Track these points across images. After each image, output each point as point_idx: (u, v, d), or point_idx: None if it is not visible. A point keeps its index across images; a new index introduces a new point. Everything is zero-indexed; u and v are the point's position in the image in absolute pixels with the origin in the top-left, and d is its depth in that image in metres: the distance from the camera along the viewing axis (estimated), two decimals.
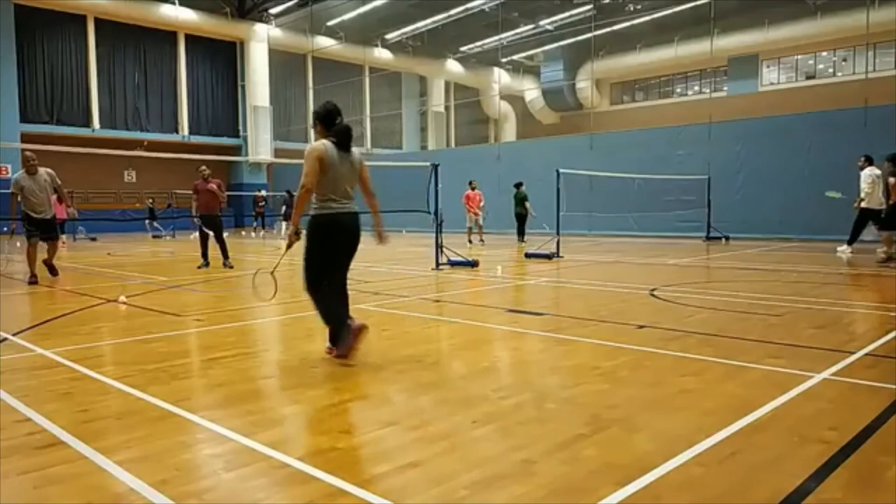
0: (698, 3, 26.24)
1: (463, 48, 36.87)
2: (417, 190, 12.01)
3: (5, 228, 23.70)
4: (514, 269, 11.56)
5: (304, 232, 4.65)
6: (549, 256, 12.72)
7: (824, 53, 30.63)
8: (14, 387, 3.97)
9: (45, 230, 9.97)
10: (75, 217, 10.55)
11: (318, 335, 5.67)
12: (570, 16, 30.39)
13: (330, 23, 32.27)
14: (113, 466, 2.73)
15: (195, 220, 12.01)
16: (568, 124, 36.47)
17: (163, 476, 2.63)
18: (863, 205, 11.75)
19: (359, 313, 6.78)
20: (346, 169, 4.54)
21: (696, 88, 35.41)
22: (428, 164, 11.55)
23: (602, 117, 34.43)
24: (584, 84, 35.52)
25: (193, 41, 31.02)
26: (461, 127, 41.24)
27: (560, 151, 21.81)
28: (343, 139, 4.53)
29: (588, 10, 28.06)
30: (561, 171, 13.00)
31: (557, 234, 13.23)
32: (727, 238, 17.66)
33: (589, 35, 28.12)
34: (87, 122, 28.18)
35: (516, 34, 32.94)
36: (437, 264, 11.13)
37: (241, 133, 32.84)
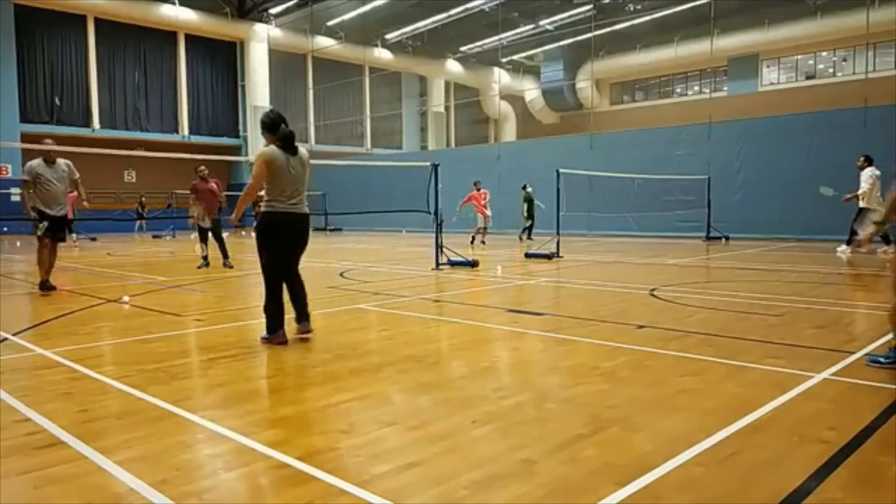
0: (698, 3, 26.24)
1: (463, 48, 36.87)
2: (417, 190, 12.01)
3: (5, 228, 23.75)
4: (514, 269, 11.56)
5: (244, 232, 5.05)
6: (549, 256, 12.72)
7: (824, 53, 30.63)
8: (14, 387, 3.97)
9: (57, 229, 8.64)
10: (84, 208, 9.83)
11: (318, 335, 5.67)
12: (570, 16, 30.39)
13: (330, 23, 32.27)
14: (113, 466, 2.73)
15: (192, 220, 11.95)
16: (568, 124, 36.47)
17: (163, 476, 2.63)
18: (861, 204, 11.76)
19: (359, 313, 6.80)
20: (295, 170, 5.02)
21: (696, 88, 35.41)
22: (428, 164, 11.54)
23: (602, 117, 34.43)
24: (584, 84, 35.52)
25: (193, 41, 31.02)
26: (461, 127, 41.25)
27: (560, 151, 21.81)
28: (287, 142, 4.99)
29: (588, 10, 28.06)
30: (561, 171, 13.00)
31: (557, 234, 13.23)
32: (727, 238, 17.66)
33: (589, 35, 28.12)
34: (87, 122, 28.17)
35: (516, 34, 32.94)
36: (437, 264, 11.13)
37: (241, 133, 32.84)
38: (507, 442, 3.01)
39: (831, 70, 30.79)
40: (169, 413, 3.46)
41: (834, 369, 4.20)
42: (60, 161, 8.69)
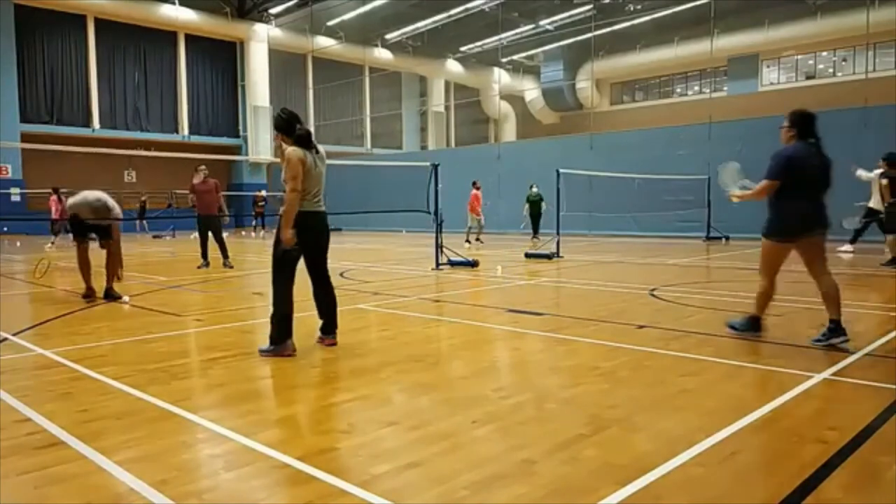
0: (698, 3, 26.23)
1: (463, 48, 36.87)
2: (417, 190, 12.01)
3: (5, 228, 23.76)
4: (513, 269, 11.55)
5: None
6: (549, 256, 12.72)
7: (824, 53, 30.63)
8: (14, 387, 3.97)
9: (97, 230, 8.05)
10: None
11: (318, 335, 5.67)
12: (570, 16, 30.39)
13: (330, 23, 32.27)
14: (113, 466, 2.73)
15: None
16: (568, 124, 36.47)
17: (163, 476, 2.63)
18: (870, 204, 11.73)
19: (359, 313, 6.80)
20: (318, 169, 4.84)
21: (696, 88, 35.41)
22: (428, 164, 11.54)
23: (602, 117, 34.43)
24: (584, 84, 35.52)
25: (193, 41, 31.01)
26: (461, 127, 41.24)
27: (560, 151, 21.82)
28: (307, 141, 4.77)
29: (588, 10, 28.06)
30: (561, 171, 13.00)
31: (557, 234, 13.23)
32: (727, 238, 17.66)
33: (589, 35, 28.11)
34: (87, 122, 28.17)
35: (516, 34, 32.94)
36: (437, 264, 11.13)
37: (241, 133, 32.84)
38: (507, 442, 3.01)
39: (831, 70, 30.79)
40: (169, 413, 3.46)
41: (834, 369, 4.20)
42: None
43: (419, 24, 32.94)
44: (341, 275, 10.15)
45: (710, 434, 3.04)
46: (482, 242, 17.74)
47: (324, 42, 33.20)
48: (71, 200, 8.02)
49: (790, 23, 28.53)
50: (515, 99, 39.43)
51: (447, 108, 39.91)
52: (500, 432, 3.14)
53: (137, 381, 4.07)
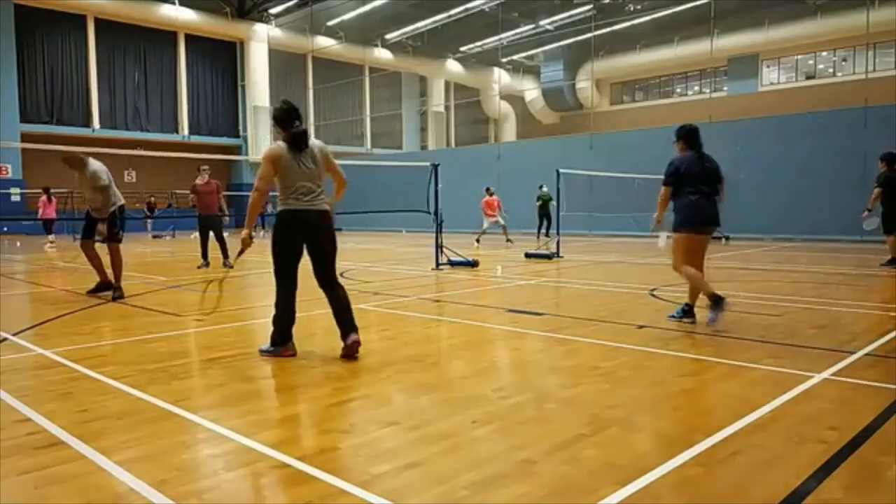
0: (698, 3, 26.23)
1: (463, 48, 36.86)
2: (417, 190, 12.01)
3: (5, 228, 23.76)
4: (513, 269, 11.55)
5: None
6: (549, 256, 12.72)
7: (824, 53, 30.63)
8: (14, 387, 3.97)
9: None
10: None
11: (319, 335, 5.67)
12: (570, 16, 30.39)
13: (330, 23, 32.26)
14: (113, 466, 2.73)
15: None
16: (568, 124, 36.47)
17: (163, 476, 2.63)
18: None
19: (359, 313, 6.77)
20: (308, 166, 4.59)
21: (696, 88, 35.41)
22: (428, 164, 11.54)
23: (602, 117, 34.43)
24: (584, 84, 35.51)
25: (193, 41, 31.02)
26: (461, 127, 41.24)
27: (560, 151, 21.81)
28: (296, 142, 4.56)
29: (588, 10, 28.06)
30: (561, 171, 13.00)
31: (557, 234, 13.23)
32: (727, 238, 17.66)
33: (589, 35, 28.12)
34: (87, 122, 28.17)
35: (516, 34, 32.93)
36: (437, 264, 11.13)
37: (241, 133, 32.84)
38: (507, 442, 3.01)
39: (831, 70, 30.79)
40: (169, 413, 3.46)
41: (834, 369, 4.20)
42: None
43: (419, 24, 32.94)
44: (341, 275, 10.11)
45: (709, 434, 3.03)
46: (512, 242, 17.47)
47: (324, 42, 33.19)
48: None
49: (790, 23, 28.53)
50: (515, 99, 39.42)
51: (447, 108, 39.91)
52: (500, 432, 3.14)
53: (137, 381, 4.07)
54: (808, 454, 2.81)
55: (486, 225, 18.23)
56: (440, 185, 11.24)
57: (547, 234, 19.32)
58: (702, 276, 5.89)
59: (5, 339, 5.47)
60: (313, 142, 4.71)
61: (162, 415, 3.44)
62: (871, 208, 10.51)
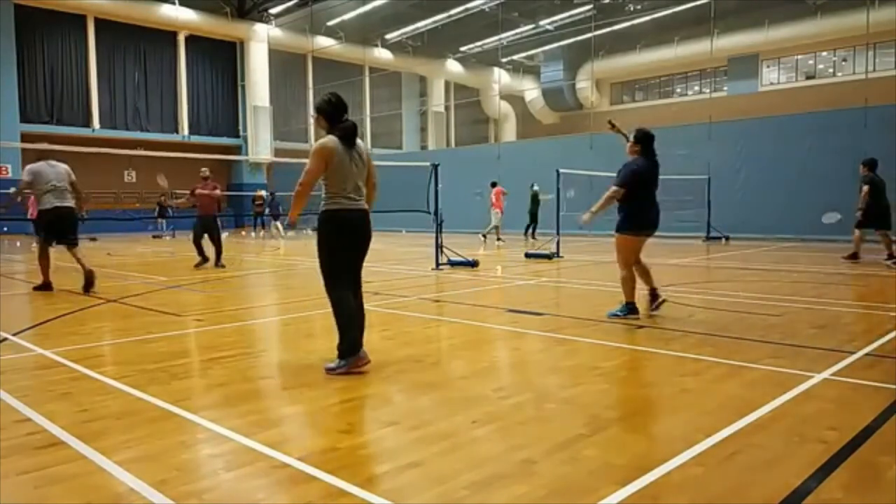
0: (698, 3, 26.23)
1: (463, 48, 36.85)
2: (417, 190, 12.01)
3: (5, 228, 23.75)
4: (513, 269, 11.55)
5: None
6: (549, 256, 12.71)
7: (824, 53, 30.63)
8: (14, 387, 3.97)
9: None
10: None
11: (319, 335, 5.68)
12: (570, 16, 30.38)
13: (330, 23, 32.26)
14: (113, 466, 2.73)
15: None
16: (568, 124, 36.46)
17: (163, 476, 2.63)
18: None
19: None
20: (356, 164, 4.37)
21: (696, 88, 35.40)
22: (428, 164, 11.54)
23: (602, 117, 34.37)
24: (584, 84, 35.50)
25: (193, 41, 31.00)
26: (461, 127, 41.23)
27: (560, 151, 21.80)
28: (348, 136, 4.32)
29: (588, 10, 28.05)
30: (561, 171, 13.01)
31: (557, 234, 13.23)
32: (727, 238, 17.66)
33: (589, 35, 28.10)
34: (87, 122, 28.16)
35: (516, 34, 32.92)
36: (437, 264, 11.13)
37: (241, 133, 32.83)
38: (507, 442, 3.01)
39: (831, 70, 30.78)
40: (169, 413, 3.46)
41: (834, 369, 4.20)
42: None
43: (419, 24, 32.92)
44: None
45: (709, 434, 3.04)
46: (500, 241, 17.74)
47: (324, 42, 33.18)
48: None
49: (790, 23, 28.52)
50: (515, 99, 39.41)
51: (447, 108, 39.89)
52: (500, 432, 3.14)
53: (137, 381, 4.07)
54: (808, 454, 2.81)
55: (494, 220, 18.46)
56: (440, 185, 11.24)
57: (533, 237, 19.39)
58: (634, 282, 6.21)
59: (5, 339, 5.47)
60: (359, 142, 4.46)
61: (162, 415, 3.44)
62: (864, 207, 10.74)
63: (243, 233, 25.53)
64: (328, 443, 3.05)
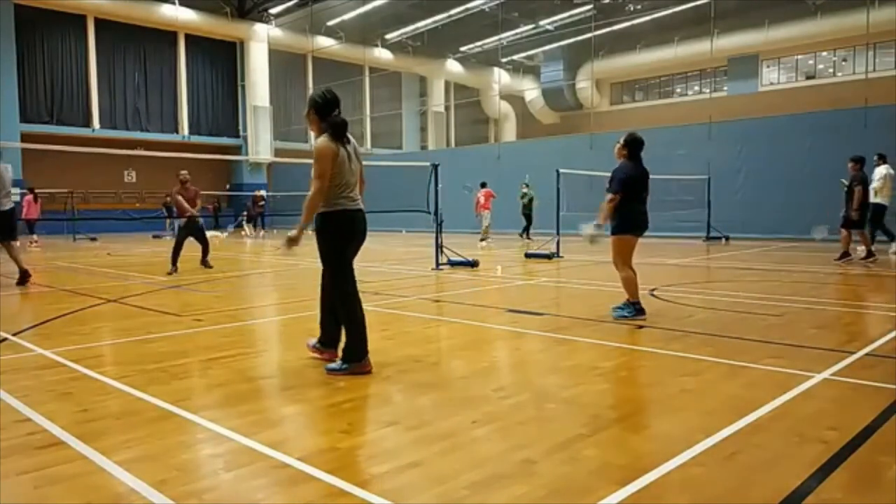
0: (698, 3, 26.23)
1: (463, 48, 36.85)
2: (417, 190, 12.01)
3: None
4: (513, 269, 11.56)
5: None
6: (549, 256, 12.71)
7: (824, 53, 30.63)
8: (14, 387, 3.97)
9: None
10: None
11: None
12: (570, 16, 30.38)
13: (330, 23, 32.25)
14: (113, 466, 2.73)
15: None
16: (568, 124, 36.47)
17: (163, 476, 2.63)
18: (873, 199, 11.89)
19: None
20: (352, 162, 4.36)
21: (696, 88, 35.40)
22: (428, 164, 11.54)
23: (602, 117, 34.42)
24: (584, 84, 35.50)
25: (193, 41, 31.00)
26: (461, 127, 41.22)
27: (560, 151, 21.79)
28: (339, 131, 4.27)
29: (588, 10, 28.05)
30: (561, 171, 13.01)
31: (557, 234, 13.23)
32: (727, 238, 17.66)
33: (589, 35, 28.11)
34: (87, 122, 28.16)
35: (516, 34, 32.92)
36: (437, 264, 11.13)
37: (241, 133, 32.83)
38: (507, 442, 3.01)
39: (831, 70, 30.79)
40: (169, 413, 3.46)
41: (834, 369, 4.20)
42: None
43: (419, 24, 32.92)
44: None
45: (710, 434, 3.03)
46: (484, 242, 17.83)
47: (324, 42, 33.19)
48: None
49: (790, 23, 28.52)
50: (515, 99, 39.41)
51: (447, 108, 39.88)
52: (500, 432, 3.14)
53: (137, 381, 4.07)
54: (808, 454, 2.81)
55: (485, 222, 18.53)
56: (440, 185, 11.23)
57: (528, 237, 19.40)
58: (636, 282, 6.26)
59: (5, 339, 5.47)
60: (350, 137, 4.41)
61: (162, 415, 3.44)
62: (858, 208, 10.81)
63: (243, 233, 25.52)
64: (328, 443, 3.05)
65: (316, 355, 4.62)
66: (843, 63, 30.18)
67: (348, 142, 4.36)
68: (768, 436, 3.06)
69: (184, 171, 11.24)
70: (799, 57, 31.29)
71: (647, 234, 6.59)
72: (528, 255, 13.18)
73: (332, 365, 4.29)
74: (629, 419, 3.38)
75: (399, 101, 37.99)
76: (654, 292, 7.93)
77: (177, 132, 30.72)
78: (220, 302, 7.97)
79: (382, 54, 35.81)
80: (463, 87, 39.95)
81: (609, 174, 6.48)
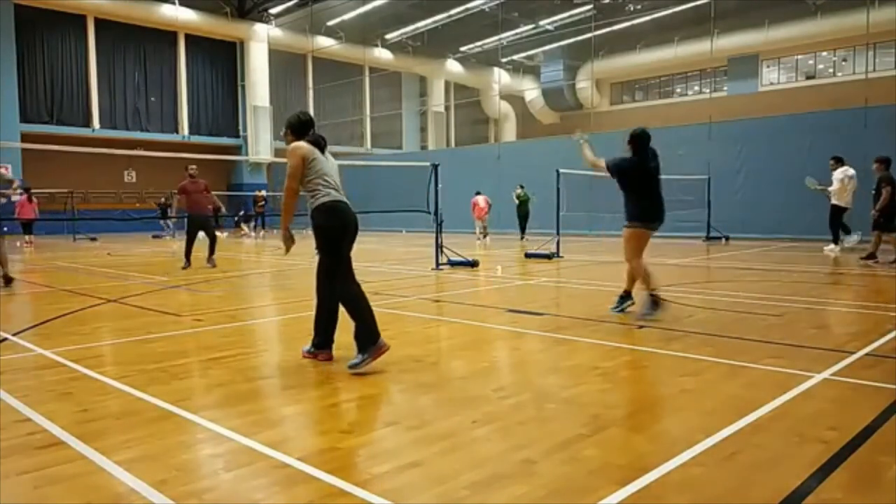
0: (698, 3, 26.23)
1: (463, 48, 36.85)
2: (417, 190, 12.02)
3: (5, 228, 23.74)
4: (513, 269, 11.56)
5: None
6: (549, 256, 12.71)
7: (824, 53, 30.63)
8: (14, 387, 3.97)
9: None
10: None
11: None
12: (570, 16, 30.38)
13: (330, 23, 32.26)
14: (113, 466, 2.73)
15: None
16: (568, 124, 36.43)
17: (163, 476, 2.63)
18: (834, 201, 12.21)
19: None
20: (331, 162, 4.59)
21: (696, 88, 35.40)
22: (428, 164, 11.54)
23: (602, 117, 34.43)
24: (584, 84, 35.51)
25: (193, 41, 30.99)
26: (461, 127, 41.22)
27: (560, 151, 21.77)
28: (317, 144, 4.52)
29: (588, 10, 28.06)
30: (561, 171, 13.01)
31: (557, 234, 13.23)
32: (727, 238, 17.66)
33: (589, 35, 28.12)
34: (87, 122, 28.16)
35: (516, 34, 32.92)
36: (437, 264, 11.13)
37: (241, 133, 32.83)
38: (507, 442, 3.01)
39: (831, 70, 30.78)
40: (169, 413, 3.46)
41: (834, 369, 4.20)
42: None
43: (419, 24, 32.92)
44: None
45: (710, 434, 3.03)
46: (480, 241, 18.00)
47: (324, 42, 33.18)
48: None
49: (790, 23, 28.52)
50: (515, 99, 39.41)
51: (447, 108, 39.88)
52: (500, 432, 3.14)
53: (137, 381, 4.07)
54: (808, 454, 2.81)
55: (480, 225, 19.03)
56: (440, 185, 11.23)
57: (523, 236, 19.70)
58: (650, 274, 6.34)
59: (5, 339, 5.47)
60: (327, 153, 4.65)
61: (162, 415, 3.44)
62: (880, 210, 10.72)
63: (242, 232, 25.51)
64: (328, 443, 3.05)
65: (310, 359, 4.61)
66: (843, 63, 30.18)
67: (327, 152, 4.58)
68: (768, 436, 3.06)
69: (193, 166, 11.54)
70: (799, 57, 31.29)
71: None
72: (528, 255, 13.18)
73: (353, 361, 4.27)
74: (629, 419, 3.38)
75: (399, 101, 37.99)
76: (654, 292, 7.91)
77: (177, 132, 30.71)
78: (220, 302, 7.97)
79: (382, 54, 35.81)
80: (463, 87, 39.95)
81: (607, 174, 6.56)
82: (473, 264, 11.16)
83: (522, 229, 19.92)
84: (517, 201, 19.82)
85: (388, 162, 26.00)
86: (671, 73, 35.39)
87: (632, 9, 29.96)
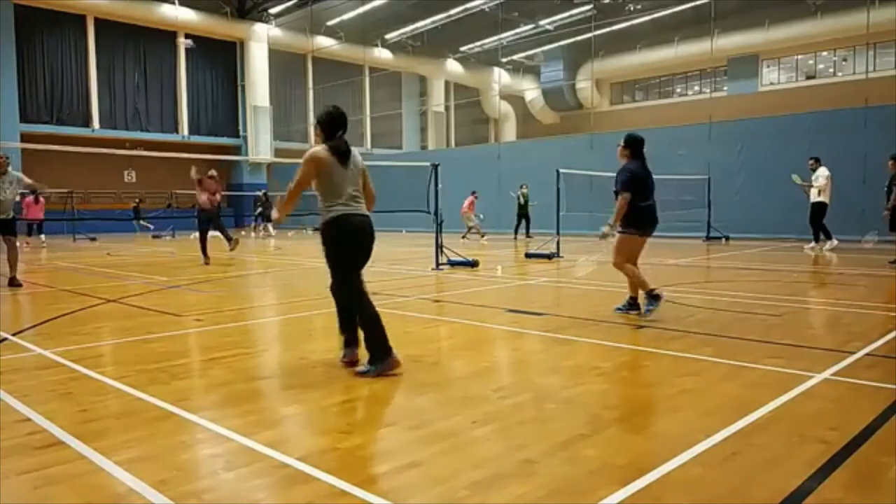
0: (698, 3, 26.23)
1: (463, 48, 36.84)
2: (417, 190, 12.01)
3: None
4: (513, 269, 11.55)
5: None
6: (549, 256, 12.71)
7: (824, 53, 30.61)
8: (14, 387, 3.97)
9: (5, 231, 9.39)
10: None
11: (318, 335, 5.68)
12: (570, 16, 30.36)
13: (330, 23, 32.25)
14: (113, 466, 2.73)
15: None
16: (568, 124, 36.44)
17: (163, 476, 2.63)
18: (821, 198, 12.63)
19: None
20: (349, 172, 4.36)
21: (696, 88, 35.38)
22: (428, 164, 11.54)
23: (602, 117, 34.40)
24: (584, 84, 35.49)
25: (193, 41, 30.99)
26: (461, 127, 41.21)
27: (560, 151, 21.80)
28: (340, 155, 4.33)
29: (588, 10, 28.05)
30: (561, 171, 13.01)
31: (557, 234, 13.22)
32: (727, 238, 17.65)
33: (589, 35, 28.11)
34: (86, 123, 28.16)
35: (516, 34, 32.91)
36: (437, 264, 11.13)
37: (241, 133, 32.82)
38: (507, 442, 3.01)
39: (831, 70, 30.77)
40: (169, 413, 3.46)
41: (834, 369, 4.20)
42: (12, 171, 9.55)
43: (419, 24, 32.92)
44: None
45: (710, 434, 3.03)
46: (467, 240, 18.24)
47: (324, 42, 33.18)
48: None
49: (790, 23, 28.51)
50: (515, 99, 39.40)
51: (447, 108, 39.87)
52: (500, 432, 3.14)
53: (137, 381, 4.07)
54: (808, 454, 2.81)
55: (473, 222, 19.20)
56: (440, 185, 11.23)
57: (527, 235, 19.70)
58: (640, 274, 6.35)
59: (5, 339, 5.47)
60: (353, 150, 4.47)
61: (162, 415, 3.44)
62: (891, 209, 10.71)
63: (242, 233, 25.50)
64: (328, 443, 3.05)
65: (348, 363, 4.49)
66: (843, 63, 30.17)
67: (349, 158, 4.36)
68: (768, 436, 3.06)
69: (212, 171, 12.66)
70: (799, 57, 31.27)
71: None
72: (528, 255, 13.18)
73: (361, 368, 4.27)
74: (629, 419, 3.38)
75: (399, 101, 37.99)
76: (654, 292, 7.91)
77: (177, 132, 30.71)
78: (220, 302, 7.96)
79: (382, 54, 35.81)
80: (463, 87, 39.94)
81: (611, 174, 6.51)
82: (473, 264, 11.16)
83: (516, 230, 20.07)
84: (522, 201, 19.82)
85: (388, 162, 26.01)
86: (671, 73, 35.37)
87: (632, 9, 29.94)
